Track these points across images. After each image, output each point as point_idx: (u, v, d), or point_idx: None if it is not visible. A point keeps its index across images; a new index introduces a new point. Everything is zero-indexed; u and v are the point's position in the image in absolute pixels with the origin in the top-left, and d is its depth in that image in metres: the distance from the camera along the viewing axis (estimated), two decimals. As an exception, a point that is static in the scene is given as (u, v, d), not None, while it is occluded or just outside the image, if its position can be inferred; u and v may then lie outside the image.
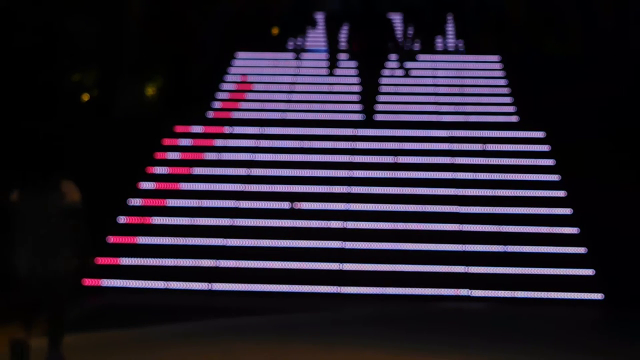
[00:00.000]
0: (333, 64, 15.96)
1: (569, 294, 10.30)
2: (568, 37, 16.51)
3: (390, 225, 11.26)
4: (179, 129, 13.30)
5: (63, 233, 6.58)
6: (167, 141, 12.96)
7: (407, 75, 15.43)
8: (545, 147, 12.81)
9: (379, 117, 13.87)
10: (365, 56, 13.58)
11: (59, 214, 6.57)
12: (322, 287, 10.42)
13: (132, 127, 13.41)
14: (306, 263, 10.70)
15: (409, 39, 16.18)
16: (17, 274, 6.56)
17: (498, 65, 16.21)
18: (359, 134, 13.17)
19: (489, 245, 10.94)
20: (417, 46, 16.17)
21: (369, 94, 13.70)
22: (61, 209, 6.57)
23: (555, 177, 12.15)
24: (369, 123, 13.51)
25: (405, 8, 16.19)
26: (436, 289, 10.39)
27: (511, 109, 14.51)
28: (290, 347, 7.90)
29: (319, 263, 10.70)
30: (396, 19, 17.90)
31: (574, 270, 10.58)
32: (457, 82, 15.60)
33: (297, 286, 10.42)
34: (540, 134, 13.08)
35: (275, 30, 17.94)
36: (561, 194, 11.81)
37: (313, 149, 12.76)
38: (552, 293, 10.31)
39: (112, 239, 11.04)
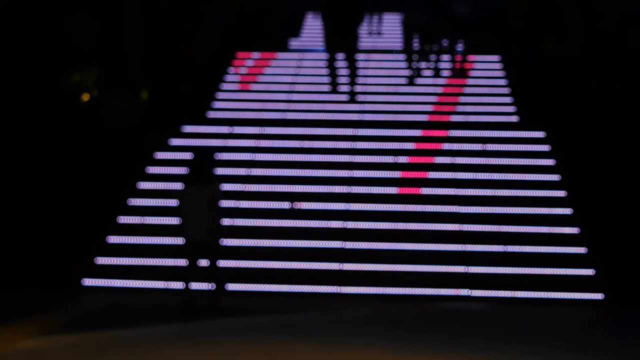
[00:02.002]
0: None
1: (569, 294, 10.29)
2: (568, 38, 16.48)
3: (390, 225, 11.26)
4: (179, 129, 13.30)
5: (207, 213, 9.30)
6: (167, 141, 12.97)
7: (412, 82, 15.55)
8: (545, 147, 12.82)
9: (379, 117, 13.87)
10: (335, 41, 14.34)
11: (206, 200, 9.30)
12: (322, 287, 10.42)
13: (132, 126, 13.41)
14: (306, 263, 10.70)
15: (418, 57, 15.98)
16: (183, 238, 9.47)
17: (498, 65, 16.20)
18: (359, 134, 13.18)
19: (489, 245, 10.94)
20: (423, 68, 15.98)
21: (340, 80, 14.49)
22: (207, 197, 9.31)
23: (555, 177, 12.15)
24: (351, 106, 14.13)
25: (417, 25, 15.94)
26: (436, 289, 10.39)
27: (511, 109, 14.50)
28: (290, 347, 7.90)
29: (319, 263, 10.70)
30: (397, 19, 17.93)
31: (574, 270, 10.58)
32: (457, 82, 15.58)
33: (297, 286, 10.41)
34: (540, 134, 13.09)
35: (275, 31, 17.92)
36: (561, 194, 11.81)
37: (313, 149, 12.77)
38: (552, 293, 10.31)
39: (112, 239, 11.05)
